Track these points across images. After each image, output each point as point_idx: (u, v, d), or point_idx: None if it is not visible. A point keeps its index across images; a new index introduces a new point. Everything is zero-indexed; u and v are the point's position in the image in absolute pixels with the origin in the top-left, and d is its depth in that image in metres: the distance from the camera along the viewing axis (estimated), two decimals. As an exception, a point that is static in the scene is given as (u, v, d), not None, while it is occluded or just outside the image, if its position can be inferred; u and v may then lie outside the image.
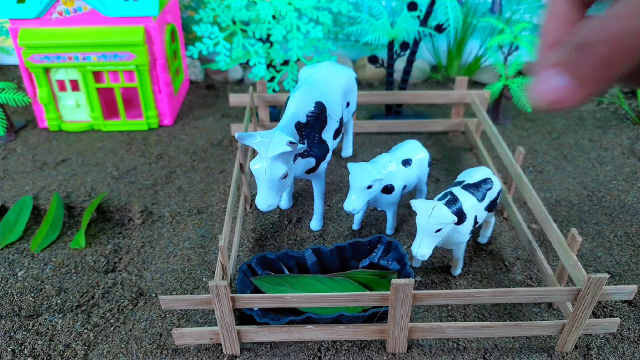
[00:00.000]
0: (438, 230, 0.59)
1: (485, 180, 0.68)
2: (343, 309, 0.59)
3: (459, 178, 0.70)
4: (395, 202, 0.73)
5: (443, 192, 0.65)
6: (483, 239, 0.75)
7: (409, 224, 0.79)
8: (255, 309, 0.58)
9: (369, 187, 0.67)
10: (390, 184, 0.71)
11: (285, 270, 0.67)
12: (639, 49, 0.26)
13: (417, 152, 0.76)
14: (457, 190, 0.65)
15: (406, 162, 0.73)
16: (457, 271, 0.70)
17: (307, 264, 0.67)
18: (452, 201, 0.62)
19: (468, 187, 0.66)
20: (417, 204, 0.61)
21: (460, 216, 0.62)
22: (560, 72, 0.29)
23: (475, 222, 0.65)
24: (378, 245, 0.69)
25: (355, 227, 0.78)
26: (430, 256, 0.73)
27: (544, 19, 0.40)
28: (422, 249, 0.60)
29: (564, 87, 0.28)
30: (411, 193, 0.83)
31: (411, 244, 0.75)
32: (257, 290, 0.64)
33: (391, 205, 0.73)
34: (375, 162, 0.71)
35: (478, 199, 0.65)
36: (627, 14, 0.26)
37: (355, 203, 0.67)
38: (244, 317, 0.62)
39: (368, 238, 0.69)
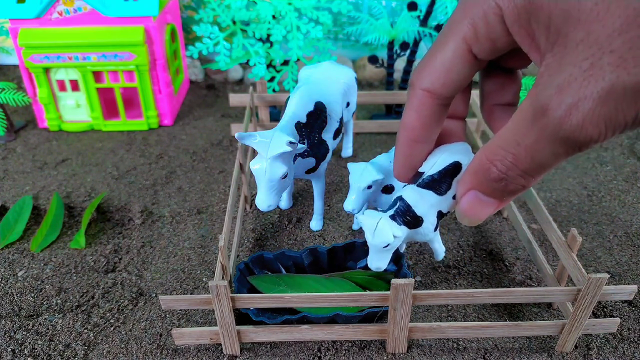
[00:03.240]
0: (386, 246, 0.56)
1: (454, 167, 0.55)
2: (340, 308, 0.59)
3: (421, 168, 0.52)
4: None
5: (395, 197, 0.59)
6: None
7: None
8: (251, 307, 0.58)
9: (369, 187, 0.67)
10: (390, 184, 0.71)
11: (283, 270, 0.67)
12: (555, 165, 0.36)
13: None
14: (410, 193, 0.57)
15: None
16: (439, 257, 0.66)
17: (305, 264, 0.67)
18: (401, 211, 0.56)
19: (426, 185, 0.56)
20: (363, 219, 0.57)
21: (415, 221, 0.57)
22: (481, 194, 0.41)
23: (442, 216, 0.59)
24: None
25: (355, 227, 0.78)
26: (431, 256, 0.73)
27: (406, 116, 0.45)
28: (374, 262, 0.57)
29: (490, 203, 0.41)
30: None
31: (411, 244, 0.75)
32: (253, 288, 0.64)
33: None
34: (375, 162, 0.71)
35: (441, 193, 0.56)
36: (533, 147, 0.35)
37: (354, 203, 0.67)
38: (239, 315, 0.62)
39: (365, 240, 0.69)
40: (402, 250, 0.67)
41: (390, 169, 0.71)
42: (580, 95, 0.31)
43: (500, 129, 0.43)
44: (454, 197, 0.56)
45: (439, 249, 0.66)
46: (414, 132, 0.47)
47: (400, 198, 0.57)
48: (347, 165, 0.69)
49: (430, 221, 0.58)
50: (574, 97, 0.31)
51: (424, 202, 0.56)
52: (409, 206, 0.56)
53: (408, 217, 0.56)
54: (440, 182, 0.55)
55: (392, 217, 0.57)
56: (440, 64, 0.42)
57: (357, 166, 0.68)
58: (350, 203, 0.67)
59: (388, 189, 0.71)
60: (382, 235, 0.55)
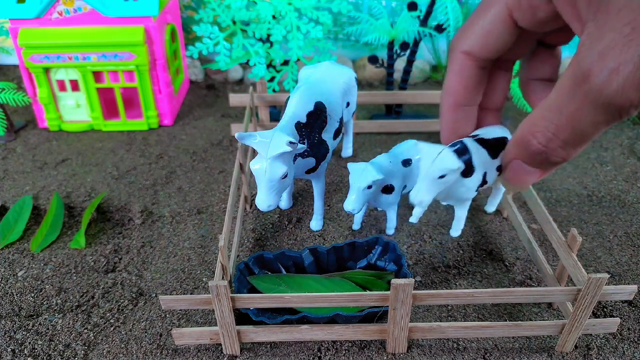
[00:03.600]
0: (442, 177, 0.55)
1: (502, 140, 0.60)
2: (339, 308, 0.59)
3: (474, 132, 0.63)
4: (395, 202, 0.73)
5: (454, 141, 0.57)
6: (490, 207, 0.71)
7: (409, 224, 0.79)
8: (251, 307, 0.58)
9: (369, 187, 0.67)
10: (390, 184, 0.71)
11: (283, 269, 0.67)
12: (596, 134, 0.35)
13: (417, 152, 0.76)
14: (469, 142, 0.58)
15: (406, 162, 0.73)
16: (456, 233, 0.65)
17: (305, 264, 0.67)
18: (462, 151, 0.56)
19: (482, 142, 0.59)
20: (423, 147, 0.56)
21: (468, 168, 0.57)
22: (524, 165, 0.42)
23: (484, 181, 0.60)
24: (375, 246, 0.69)
25: (355, 227, 0.78)
26: (431, 256, 0.73)
27: (448, 80, 0.45)
28: (421, 194, 0.55)
29: (532, 172, 0.42)
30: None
31: (411, 244, 0.75)
32: (253, 288, 0.64)
33: (391, 205, 0.73)
34: (375, 162, 0.71)
35: (491, 156, 0.58)
36: (575, 113, 0.35)
37: (355, 203, 0.67)
38: (239, 315, 0.62)
39: (365, 239, 0.69)
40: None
41: (390, 169, 0.71)
42: (621, 60, 0.31)
43: (538, 102, 0.45)
44: (497, 169, 0.58)
45: (461, 222, 0.64)
46: (457, 96, 0.48)
47: (460, 141, 0.57)
48: (347, 165, 0.69)
49: (477, 177, 0.58)
50: (615, 62, 0.32)
51: (478, 156, 0.57)
52: (468, 149, 0.56)
53: (465, 160, 0.56)
54: (492, 146, 0.57)
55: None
56: (480, 27, 0.43)
57: (357, 166, 0.68)
58: (350, 203, 0.67)
59: (388, 189, 0.71)
60: (445, 161, 0.54)
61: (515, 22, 0.41)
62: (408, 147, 0.76)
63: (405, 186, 0.73)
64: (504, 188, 0.60)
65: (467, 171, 0.57)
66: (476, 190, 0.60)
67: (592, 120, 0.35)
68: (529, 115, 0.39)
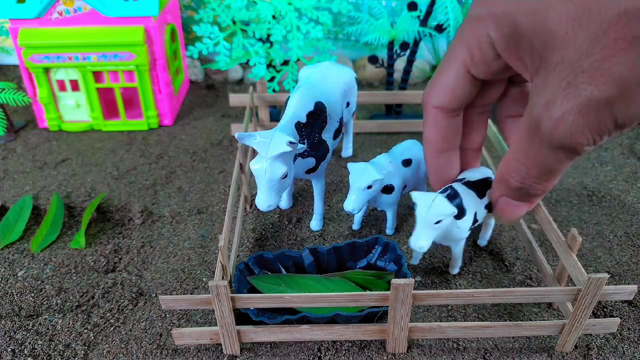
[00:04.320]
0: (437, 222, 0.58)
1: (486, 180, 0.67)
2: (339, 308, 0.59)
3: (461, 176, 0.70)
4: (395, 202, 0.73)
5: (444, 187, 0.65)
6: (482, 241, 0.75)
7: (409, 224, 0.79)
8: (251, 307, 0.58)
9: (369, 187, 0.67)
10: (390, 184, 0.71)
11: (282, 270, 0.67)
12: (563, 167, 0.42)
13: (417, 152, 0.76)
14: (458, 186, 0.64)
15: (406, 162, 0.73)
16: (455, 270, 0.70)
17: (304, 264, 0.67)
18: (453, 196, 0.62)
19: (469, 185, 0.66)
20: (417, 196, 0.60)
21: (460, 211, 0.62)
22: (510, 200, 0.49)
23: (475, 220, 0.65)
24: (375, 246, 0.69)
25: (355, 227, 0.78)
26: (431, 256, 0.73)
27: (425, 131, 0.53)
28: (420, 240, 0.59)
29: (519, 205, 0.49)
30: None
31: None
32: (253, 288, 0.64)
33: (391, 205, 0.73)
34: (375, 162, 0.71)
35: (478, 196, 0.65)
36: (537, 156, 0.42)
37: (355, 203, 0.67)
38: (239, 315, 0.62)
39: (365, 239, 0.69)
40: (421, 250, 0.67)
41: (390, 169, 0.71)
42: (563, 110, 0.36)
43: (512, 139, 0.53)
44: (485, 207, 0.64)
45: (458, 260, 0.68)
46: (437, 144, 0.55)
47: (450, 187, 0.62)
48: (347, 165, 0.69)
49: (469, 217, 0.62)
50: (559, 112, 0.37)
51: (468, 197, 0.62)
52: (458, 194, 0.61)
53: (457, 204, 0.61)
54: (479, 187, 0.64)
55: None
56: (445, 85, 0.49)
57: (357, 166, 0.68)
58: (350, 203, 0.67)
59: (388, 189, 0.71)
60: (439, 207, 0.58)
61: (474, 76, 0.47)
62: (408, 147, 0.76)
63: (405, 186, 0.73)
64: (497, 222, 0.66)
65: (460, 214, 0.61)
66: (469, 230, 0.64)
67: (553, 159, 0.40)
68: (504, 157, 0.45)
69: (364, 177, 0.66)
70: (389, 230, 0.77)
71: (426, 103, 0.52)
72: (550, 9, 0.36)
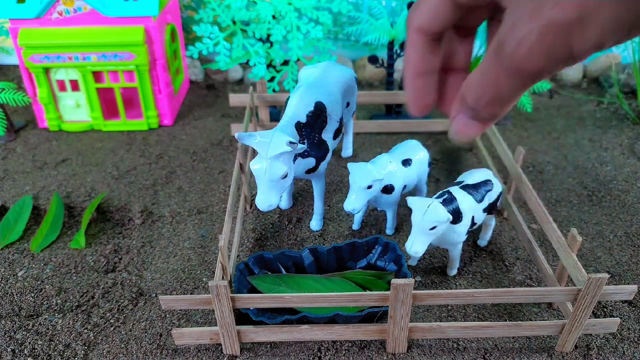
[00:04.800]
0: (433, 228, 0.59)
1: (486, 182, 0.67)
2: (339, 308, 0.59)
3: (460, 178, 0.70)
4: (395, 202, 0.73)
5: (441, 191, 0.65)
6: (482, 241, 0.75)
7: (409, 224, 0.79)
8: (251, 307, 0.58)
9: (369, 187, 0.67)
10: (390, 184, 0.71)
11: (282, 270, 0.67)
12: (515, 96, 0.41)
13: (417, 152, 0.76)
14: (455, 190, 0.65)
15: (406, 162, 0.73)
16: (453, 272, 0.70)
17: (304, 264, 0.67)
18: (449, 200, 0.62)
19: (467, 188, 0.66)
20: (413, 201, 0.61)
21: (457, 215, 0.62)
22: (466, 118, 0.46)
23: (473, 223, 0.65)
24: (375, 246, 0.69)
25: (355, 227, 0.78)
26: (431, 256, 0.73)
27: (405, 53, 0.52)
28: (415, 245, 0.60)
29: (471, 125, 0.45)
30: (411, 192, 0.83)
31: (411, 244, 0.75)
32: (253, 288, 0.64)
33: (391, 205, 0.73)
34: (375, 162, 0.71)
35: (476, 200, 0.65)
36: (495, 79, 0.40)
37: (355, 203, 0.67)
38: (239, 315, 0.62)
39: (365, 239, 0.69)
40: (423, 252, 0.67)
41: (390, 169, 0.71)
42: (526, 31, 0.36)
43: None
44: (483, 210, 0.65)
45: (455, 262, 0.68)
46: (416, 66, 0.58)
47: (447, 191, 0.63)
48: (347, 165, 0.69)
49: (466, 222, 0.63)
50: (522, 33, 0.36)
51: (465, 201, 0.63)
52: (455, 198, 0.62)
53: (453, 208, 0.61)
54: (477, 191, 0.65)
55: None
56: (427, 6, 0.47)
57: (358, 166, 0.68)
58: (350, 203, 0.67)
59: (388, 189, 0.71)
60: (435, 213, 0.58)
61: (457, 1, 0.47)
62: (408, 147, 0.76)
63: (405, 186, 0.73)
64: (454, 138, 0.66)
65: (456, 218, 0.62)
66: (466, 234, 0.64)
67: (508, 83, 0.39)
68: (468, 77, 0.44)
69: (364, 177, 0.66)
70: (389, 230, 0.77)
71: (408, 25, 0.55)
72: None
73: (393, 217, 0.75)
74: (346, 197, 0.68)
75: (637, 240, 0.76)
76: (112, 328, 0.62)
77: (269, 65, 1.00)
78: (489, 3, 0.53)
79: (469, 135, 0.53)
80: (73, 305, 0.65)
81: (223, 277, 0.58)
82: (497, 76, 0.39)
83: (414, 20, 0.48)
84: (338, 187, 0.88)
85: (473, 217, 0.64)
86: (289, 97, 0.74)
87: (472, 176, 0.68)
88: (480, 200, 0.65)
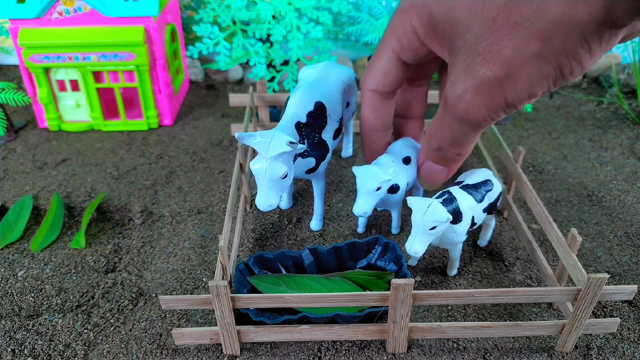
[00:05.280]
0: (433, 228, 0.59)
1: (485, 182, 0.67)
2: (339, 308, 0.59)
3: (460, 178, 0.70)
4: (400, 201, 0.73)
5: (441, 191, 0.65)
6: (482, 241, 0.75)
7: (409, 224, 0.79)
8: (251, 307, 0.58)
9: (378, 189, 0.67)
10: (396, 184, 0.70)
11: (282, 270, 0.67)
12: (471, 139, 0.49)
13: (414, 149, 0.75)
14: (455, 190, 0.64)
15: (406, 160, 0.73)
16: (453, 272, 0.70)
17: (304, 264, 0.67)
18: (449, 200, 0.62)
19: (467, 188, 0.65)
20: (413, 201, 0.61)
21: (457, 215, 0.62)
22: (433, 165, 0.57)
23: (473, 223, 0.65)
24: (375, 246, 0.69)
25: (360, 230, 0.77)
26: (431, 256, 0.73)
27: (362, 111, 0.62)
28: (415, 245, 0.60)
29: (440, 170, 0.57)
30: (410, 192, 0.83)
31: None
32: (253, 288, 0.64)
33: (397, 204, 0.73)
34: (379, 164, 0.70)
35: (476, 200, 0.65)
36: (449, 126, 0.49)
37: (365, 206, 0.67)
38: (239, 315, 0.62)
39: (365, 239, 0.69)
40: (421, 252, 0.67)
41: (395, 168, 0.71)
42: (463, 88, 0.41)
43: None
44: (483, 210, 0.66)
45: (456, 262, 0.68)
46: (371, 123, 0.63)
47: (447, 191, 0.64)
48: (353, 169, 0.69)
49: (466, 222, 0.63)
50: (460, 90, 0.42)
51: (465, 201, 0.63)
52: (455, 198, 0.62)
53: (453, 208, 0.62)
54: (477, 191, 0.66)
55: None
56: (378, 70, 0.55)
57: (364, 169, 0.68)
58: (360, 207, 0.67)
59: (394, 189, 0.70)
60: (434, 213, 0.59)
61: (404, 62, 0.53)
62: (404, 145, 0.75)
63: (407, 184, 0.73)
64: (423, 188, 0.73)
65: (456, 218, 0.62)
66: (466, 234, 0.64)
67: (460, 130, 0.46)
68: (429, 126, 0.52)
69: (372, 180, 0.66)
70: (394, 230, 0.77)
71: (363, 86, 0.58)
72: None
73: (398, 216, 0.75)
74: (347, 197, 0.68)
75: (637, 240, 0.76)
76: (112, 328, 0.62)
77: (269, 65, 1.00)
78: (434, 58, 0.55)
79: (437, 180, 0.59)
80: (73, 305, 0.65)
81: (223, 277, 0.58)
82: (449, 124, 0.47)
83: (367, 83, 0.58)
84: (338, 187, 0.88)
85: (473, 217, 0.64)
86: (289, 97, 0.74)
87: (472, 176, 0.68)
88: (480, 200, 0.65)
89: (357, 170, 0.68)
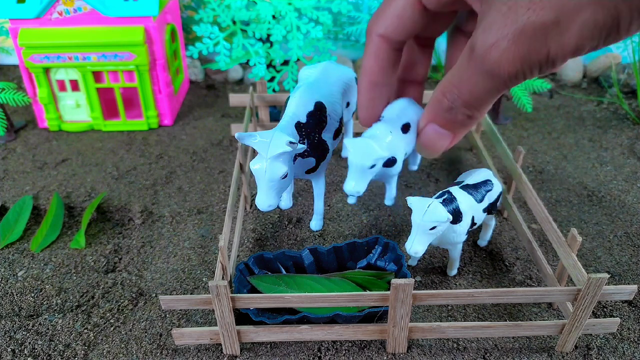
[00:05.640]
0: (433, 228, 0.59)
1: (485, 182, 0.67)
2: (339, 309, 0.59)
3: (460, 178, 0.70)
4: (397, 173, 0.68)
5: (441, 191, 0.65)
6: (482, 241, 0.75)
7: (409, 224, 0.79)
8: (251, 307, 0.58)
9: (372, 166, 0.61)
10: (393, 157, 0.64)
11: (282, 269, 0.67)
12: (491, 98, 0.40)
13: (415, 113, 0.64)
14: (455, 190, 0.64)
15: (406, 128, 0.64)
16: (453, 272, 0.70)
17: (304, 264, 0.67)
18: (449, 200, 0.62)
19: (467, 188, 0.65)
20: (413, 201, 0.60)
21: (457, 215, 0.62)
22: (438, 127, 0.46)
23: (473, 223, 0.65)
24: (375, 247, 0.69)
25: (351, 201, 0.73)
26: (431, 256, 0.73)
27: (365, 61, 0.50)
28: (415, 245, 0.60)
29: (445, 135, 0.46)
30: (411, 193, 0.83)
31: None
32: (253, 288, 0.64)
33: (392, 177, 0.69)
34: (375, 136, 0.62)
35: (476, 200, 0.64)
36: (470, 80, 0.40)
37: (357, 186, 0.61)
38: (240, 315, 0.62)
39: (365, 239, 0.69)
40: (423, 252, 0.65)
41: (392, 141, 0.64)
42: (499, 36, 0.35)
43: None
44: (483, 210, 0.65)
45: (456, 262, 0.68)
46: (374, 75, 0.52)
47: (447, 191, 0.63)
48: (345, 141, 0.63)
49: (466, 221, 0.63)
50: (494, 37, 0.36)
51: (465, 201, 0.63)
52: (455, 198, 0.62)
53: (453, 208, 0.61)
54: (477, 191, 0.65)
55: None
56: (392, 12, 0.47)
57: (358, 142, 0.61)
58: (351, 185, 0.61)
59: (390, 162, 0.65)
60: (434, 213, 0.58)
61: (424, 6, 0.45)
62: (403, 109, 0.63)
63: (405, 153, 0.67)
64: (421, 155, 0.63)
65: (456, 218, 0.62)
66: (466, 234, 0.64)
67: (483, 86, 0.40)
68: (442, 80, 0.44)
69: (366, 156, 0.60)
70: (388, 201, 0.73)
71: (370, 30, 0.50)
72: None
73: (393, 187, 0.71)
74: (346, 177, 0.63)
75: (637, 240, 0.76)
76: (112, 328, 0.62)
77: (269, 65, 1.00)
78: (452, 11, 0.48)
79: (438, 146, 0.49)
80: (73, 305, 0.65)
81: (223, 277, 0.58)
82: (472, 78, 0.40)
83: (377, 27, 0.49)
84: (338, 187, 0.88)
85: (473, 217, 0.64)
86: (289, 97, 0.74)
87: (472, 176, 0.68)
88: (480, 200, 0.65)
89: (350, 143, 0.62)
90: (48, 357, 0.59)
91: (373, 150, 0.61)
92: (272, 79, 1.01)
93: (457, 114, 0.44)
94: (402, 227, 0.79)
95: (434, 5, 0.45)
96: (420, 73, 0.57)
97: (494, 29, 0.36)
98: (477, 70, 0.39)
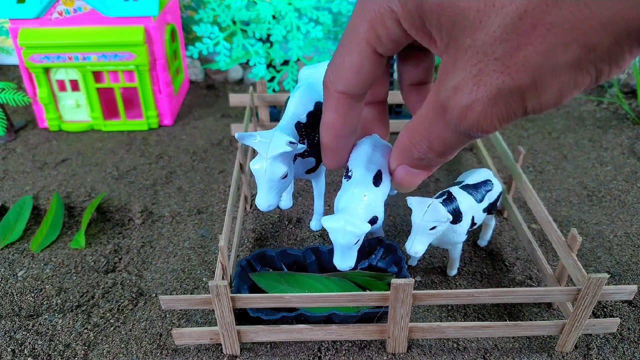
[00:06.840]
0: (433, 228, 0.59)
1: (485, 182, 0.67)
2: (336, 308, 0.59)
3: (460, 178, 0.70)
4: (381, 226, 0.66)
5: (441, 191, 0.65)
6: (482, 241, 0.75)
7: (409, 224, 0.79)
8: (251, 307, 0.58)
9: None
10: (374, 216, 0.58)
11: (284, 267, 0.67)
12: (464, 146, 0.41)
13: (382, 156, 0.58)
14: (455, 190, 0.64)
15: (377, 179, 0.58)
16: (453, 272, 0.70)
17: (306, 263, 0.67)
18: (449, 200, 0.62)
19: (467, 188, 0.65)
20: (413, 201, 0.60)
21: (457, 216, 0.62)
22: (409, 168, 0.47)
23: (473, 223, 0.65)
24: (378, 248, 0.69)
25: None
26: (431, 256, 0.73)
27: (326, 116, 0.50)
28: (415, 246, 0.60)
29: (418, 174, 0.47)
30: (411, 193, 0.83)
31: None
32: (254, 285, 0.64)
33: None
34: (348, 208, 0.56)
35: (476, 200, 0.64)
36: (442, 136, 0.41)
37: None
38: (237, 312, 0.62)
39: (367, 239, 0.69)
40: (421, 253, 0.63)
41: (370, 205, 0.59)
42: (472, 98, 0.35)
43: (416, 109, 0.51)
44: (483, 210, 0.65)
45: (456, 262, 0.68)
46: (337, 130, 0.51)
47: (447, 191, 0.63)
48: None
49: (466, 222, 0.63)
50: (468, 99, 0.35)
51: (465, 201, 0.63)
52: (455, 198, 0.62)
53: (453, 208, 0.61)
54: (477, 191, 0.65)
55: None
56: (349, 67, 0.45)
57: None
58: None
59: (373, 221, 0.59)
60: (434, 213, 0.58)
61: (380, 54, 0.43)
62: (368, 158, 0.58)
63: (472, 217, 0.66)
64: (397, 191, 0.62)
65: (456, 218, 0.62)
66: (466, 234, 0.64)
67: (456, 140, 0.40)
68: (407, 126, 0.43)
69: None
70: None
71: (329, 87, 0.47)
72: None
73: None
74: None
75: (637, 240, 0.76)
76: (112, 328, 0.62)
77: (269, 65, 1.00)
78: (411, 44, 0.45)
79: (414, 183, 0.49)
80: (73, 305, 0.65)
81: (223, 277, 0.58)
82: (443, 134, 0.40)
83: (336, 85, 0.47)
84: (338, 187, 0.88)
85: (473, 217, 0.64)
86: (289, 97, 0.74)
87: (472, 176, 0.68)
88: (480, 200, 0.65)
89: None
90: (48, 357, 0.59)
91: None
92: (272, 79, 1.01)
93: (430, 161, 0.44)
94: (402, 227, 0.79)
95: (391, 53, 0.43)
96: (380, 92, 0.56)
97: (465, 91, 0.35)
98: (450, 129, 0.39)
